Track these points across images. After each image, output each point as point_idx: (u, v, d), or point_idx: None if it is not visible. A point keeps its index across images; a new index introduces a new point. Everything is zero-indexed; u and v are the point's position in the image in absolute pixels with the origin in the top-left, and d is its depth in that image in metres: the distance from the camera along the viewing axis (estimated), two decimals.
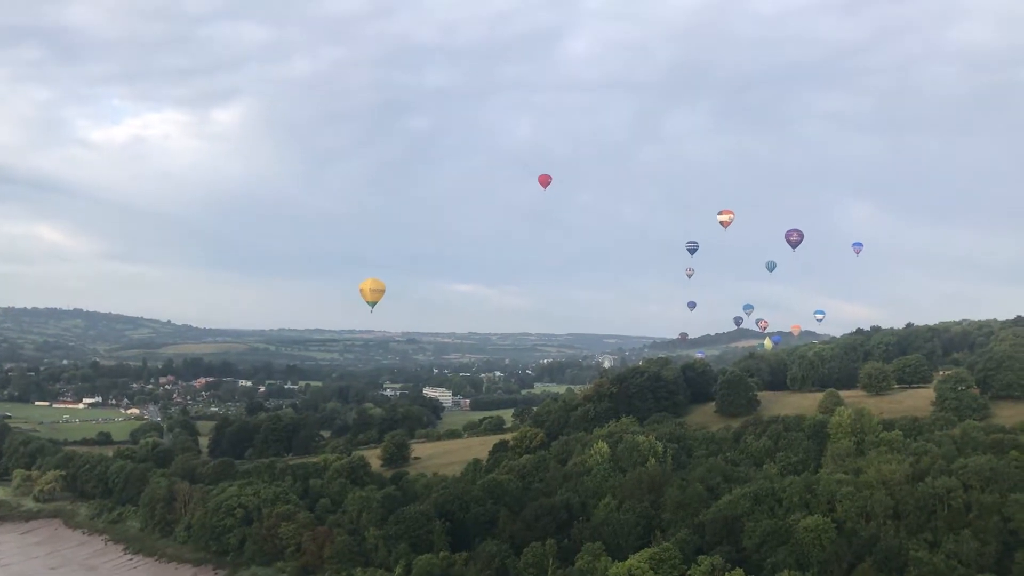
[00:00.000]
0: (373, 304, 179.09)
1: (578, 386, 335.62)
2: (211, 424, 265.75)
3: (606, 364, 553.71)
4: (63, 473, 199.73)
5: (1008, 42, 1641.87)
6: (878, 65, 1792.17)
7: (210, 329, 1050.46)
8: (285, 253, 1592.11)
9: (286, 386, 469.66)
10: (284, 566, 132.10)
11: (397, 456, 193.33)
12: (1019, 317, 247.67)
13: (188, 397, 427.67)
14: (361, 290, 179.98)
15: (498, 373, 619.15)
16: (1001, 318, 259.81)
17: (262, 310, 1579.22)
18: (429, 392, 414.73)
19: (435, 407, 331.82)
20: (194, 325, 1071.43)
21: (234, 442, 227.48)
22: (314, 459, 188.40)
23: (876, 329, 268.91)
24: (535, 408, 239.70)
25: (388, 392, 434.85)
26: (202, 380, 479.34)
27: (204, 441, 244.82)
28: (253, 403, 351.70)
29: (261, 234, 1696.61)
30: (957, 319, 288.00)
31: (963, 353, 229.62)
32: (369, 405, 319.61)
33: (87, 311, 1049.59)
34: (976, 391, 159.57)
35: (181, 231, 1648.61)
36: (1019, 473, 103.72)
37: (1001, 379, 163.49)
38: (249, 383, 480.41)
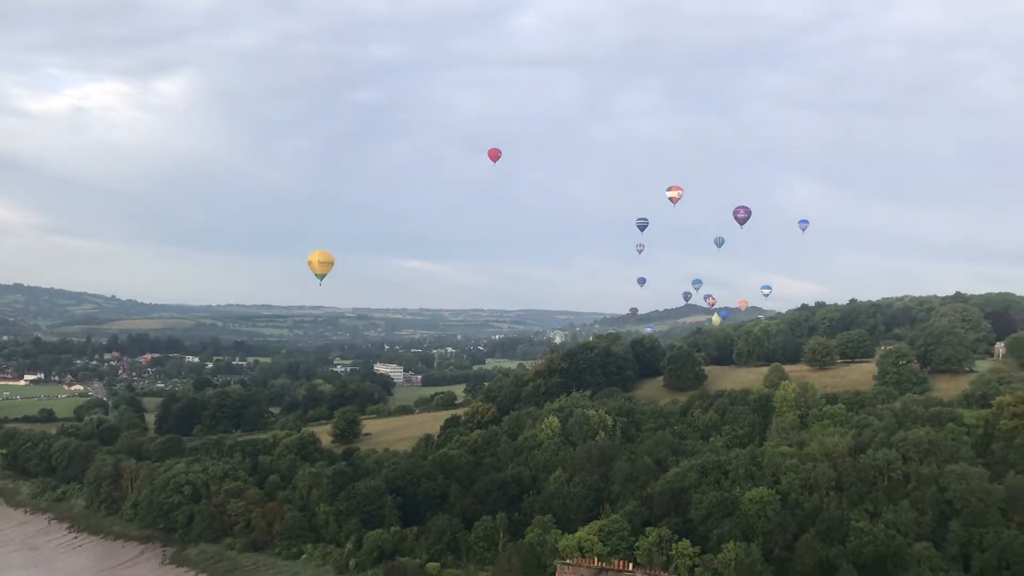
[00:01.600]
0: (322, 277, 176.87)
1: (529, 361, 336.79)
2: (158, 401, 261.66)
3: (557, 340, 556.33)
4: (4, 451, 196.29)
5: (951, 25, 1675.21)
6: (824, 46, 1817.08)
7: (156, 304, 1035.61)
8: (233, 228, 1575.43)
9: (234, 362, 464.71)
10: (233, 542, 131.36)
11: (348, 432, 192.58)
12: (958, 293, 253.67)
13: (134, 373, 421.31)
14: (310, 262, 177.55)
15: (450, 349, 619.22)
16: (941, 294, 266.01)
17: (209, 285, 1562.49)
18: (380, 368, 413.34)
19: (386, 383, 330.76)
20: (140, 300, 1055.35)
21: (181, 419, 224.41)
22: (263, 435, 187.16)
23: (820, 305, 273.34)
24: (487, 384, 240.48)
25: (338, 368, 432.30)
26: (148, 356, 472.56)
27: (151, 418, 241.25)
28: (201, 379, 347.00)
29: (208, 209, 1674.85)
30: (899, 295, 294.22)
31: (904, 328, 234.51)
32: (319, 381, 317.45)
33: (28, 286, 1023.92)
34: (916, 365, 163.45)
35: (126, 205, 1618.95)
36: (956, 445, 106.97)
37: (940, 354, 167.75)
38: (196, 359, 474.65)
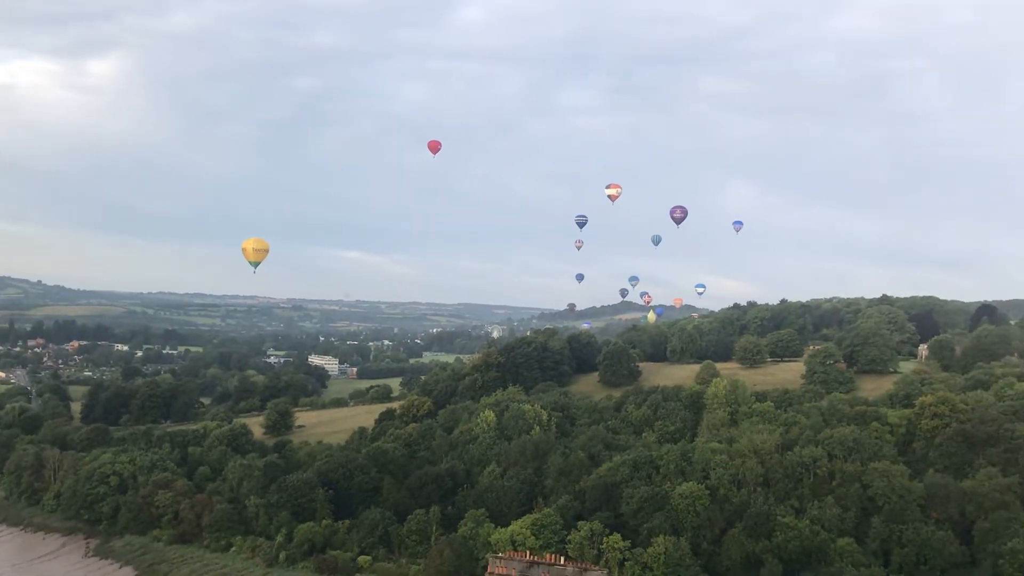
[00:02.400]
0: (256, 264, 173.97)
1: (467, 355, 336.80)
2: (84, 389, 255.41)
3: (495, 334, 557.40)
4: None
5: (886, 33, 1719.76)
6: (763, 49, 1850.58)
7: (84, 291, 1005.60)
8: (165, 213, 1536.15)
9: (164, 351, 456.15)
10: (160, 534, 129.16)
11: (280, 424, 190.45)
12: (885, 296, 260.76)
13: (59, 361, 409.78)
14: (244, 249, 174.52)
15: (386, 342, 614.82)
16: (868, 296, 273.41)
17: (140, 272, 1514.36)
18: (315, 360, 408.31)
19: (321, 375, 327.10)
20: (67, 286, 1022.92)
21: (109, 408, 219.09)
22: (193, 426, 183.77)
23: (752, 304, 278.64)
24: (423, 377, 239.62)
25: (272, 359, 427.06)
26: (75, 343, 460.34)
27: (77, 407, 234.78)
28: (129, 368, 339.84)
29: (140, 193, 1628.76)
30: (827, 296, 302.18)
31: (832, 329, 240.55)
32: (252, 372, 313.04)
33: None
34: (843, 365, 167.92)
35: (53, 187, 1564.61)
36: (879, 444, 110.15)
37: (866, 354, 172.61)
38: (125, 347, 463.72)
